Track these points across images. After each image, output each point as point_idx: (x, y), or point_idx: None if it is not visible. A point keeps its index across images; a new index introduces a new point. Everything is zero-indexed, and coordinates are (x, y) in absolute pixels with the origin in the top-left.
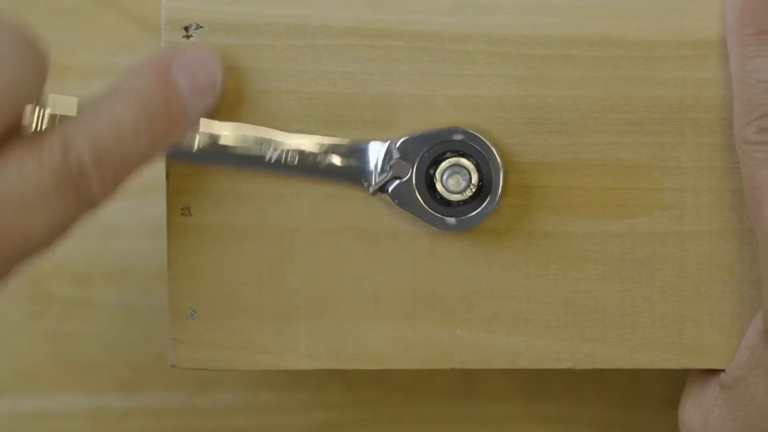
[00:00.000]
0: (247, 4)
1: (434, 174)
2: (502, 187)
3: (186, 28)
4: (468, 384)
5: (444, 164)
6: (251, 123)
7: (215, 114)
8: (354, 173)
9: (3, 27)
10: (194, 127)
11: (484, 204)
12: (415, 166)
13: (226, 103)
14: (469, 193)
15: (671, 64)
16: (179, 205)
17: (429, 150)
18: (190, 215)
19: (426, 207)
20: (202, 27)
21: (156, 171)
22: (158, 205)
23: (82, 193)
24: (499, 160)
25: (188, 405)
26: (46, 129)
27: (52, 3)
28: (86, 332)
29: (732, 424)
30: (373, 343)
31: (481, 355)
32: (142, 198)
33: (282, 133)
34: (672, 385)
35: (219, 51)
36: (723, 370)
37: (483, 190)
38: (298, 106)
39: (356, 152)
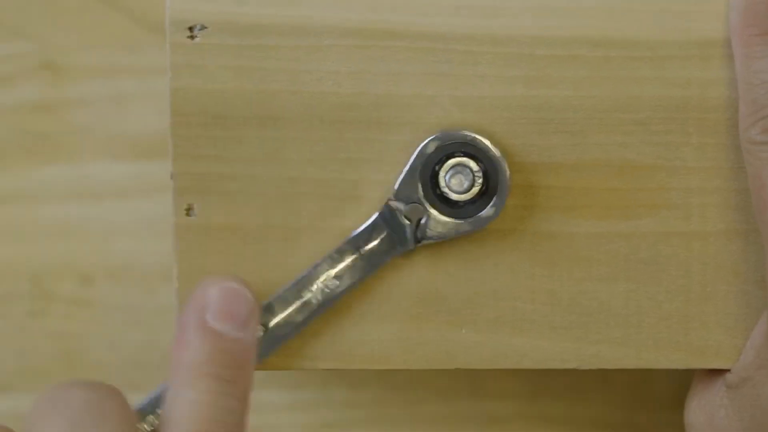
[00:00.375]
0: (252, 5)
1: (438, 174)
2: (510, 186)
3: (190, 29)
4: (472, 384)
5: (447, 165)
6: (255, 126)
7: (220, 116)
8: (388, 247)
9: (79, 391)
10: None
11: (493, 205)
12: (423, 199)
13: (230, 106)
14: (474, 192)
15: (676, 64)
16: (185, 205)
17: (421, 177)
18: (196, 215)
19: (462, 222)
20: (206, 27)
21: (158, 170)
22: (161, 205)
23: None
24: (504, 160)
25: None
26: None
27: (55, 2)
28: (89, 331)
29: (738, 424)
30: (377, 344)
31: (485, 356)
32: (145, 197)
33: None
34: (677, 385)
35: (223, 51)
36: (728, 371)
37: (489, 190)
38: (302, 106)
39: (372, 232)
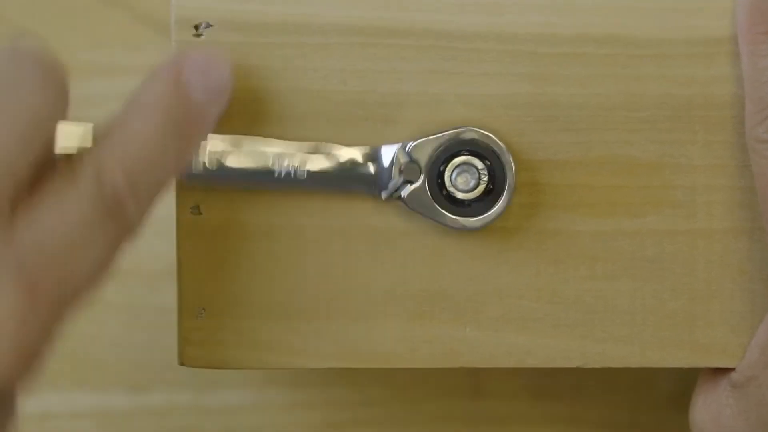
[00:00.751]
0: (258, 3)
1: (444, 173)
2: (515, 185)
3: (196, 27)
4: (475, 383)
5: (453, 163)
6: (261, 123)
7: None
8: (366, 181)
9: (25, 56)
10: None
11: (498, 203)
12: (426, 169)
13: (236, 103)
14: (480, 191)
15: (681, 61)
16: (189, 204)
17: (439, 151)
18: (200, 214)
19: (439, 209)
20: (212, 25)
21: None
22: (164, 203)
23: (121, 220)
24: (510, 158)
25: (194, 404)
26: (75, 159)
27: (58, 2)
28: (92, 331)
29: (744, 423)
30: (381, 342)
31: (490, 354)
32: None
33: (288, 143)
34: (680, 384)
35: (229, 49)
36: (734, 369)
37: (494, 188)
38: (307, 104)
39: (366, 159)
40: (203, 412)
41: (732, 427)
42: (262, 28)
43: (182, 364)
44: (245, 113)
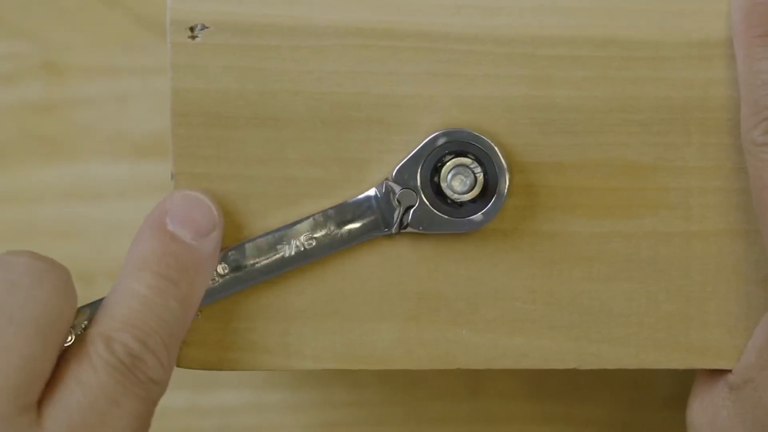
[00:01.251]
0: (253, 5)
1: (439, 181)
2: (509, 180)
3: (191, 29)
4: (472, 384)
5: (444, 170)
6: (256, 126)
7: (223, 116)
8: (372, 227)
9: (24, 258)
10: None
11: (491, 202)
12: (420, 187)
13: (231, 105)
14: (477, 190)
15: (677, 64)
16: None
17: (423, 166)
18: None
19: (450, 219)
20: (207, 27)
21: (160, 170)
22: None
23: (143, 377)
24: (501, 156)
25: (192, 404)
26: (83, 336)
27: (56, 2)
28: None
29: (740, 426)
30: (378, 344)
31: (485, 356)
32: (146, 197)
33: (289, 227)
34: (677, 385)
35: (224, 51)
36: (730, 371)
37: (489, 184)
38: (303, 106)
39: (361, 207)
40: (201, 413)
41: (729, 429)
42: (257, 30)
43: (179, 365)
44: (240, 116)
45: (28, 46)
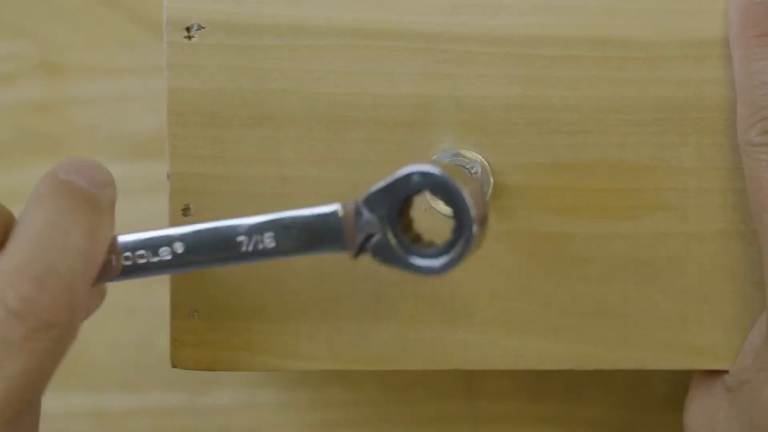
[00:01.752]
0: (249, 5)
1: (407, 214)
2: (478, 228)
3: (188, 29)
4: (468, 384)
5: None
6: (253, 125)
7: (220, 116)
8: (333, 241)
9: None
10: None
11: (456, 250)
12: (385, 219)
13: (227, 105)
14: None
15: (673, 64)
16: (180, 205)
17: (393, 199)
18: (191, 215)
19: (408, 260)
20: (203, 27)
21: (158, 170)
22: (161, 205)
23: (37, 323)
24: (472, 208)
25: (189, 405)
26: None
27: (56, 2)
28: (87, 332)
29: (738, 427)
30: (374, 344)
31: (482, 357)
32: (145, 197)
33: (249, 219)
34: (674, 385)
35: (221, 51)
36: (727, 372)
37: (461, 221)
38: (300, 106)
39: (328, 220)
40: (198, 413)
41: (726, 430)
42: (254, 30)
43: (174, 365)
44: (237, 116)
45: (27, 45)
